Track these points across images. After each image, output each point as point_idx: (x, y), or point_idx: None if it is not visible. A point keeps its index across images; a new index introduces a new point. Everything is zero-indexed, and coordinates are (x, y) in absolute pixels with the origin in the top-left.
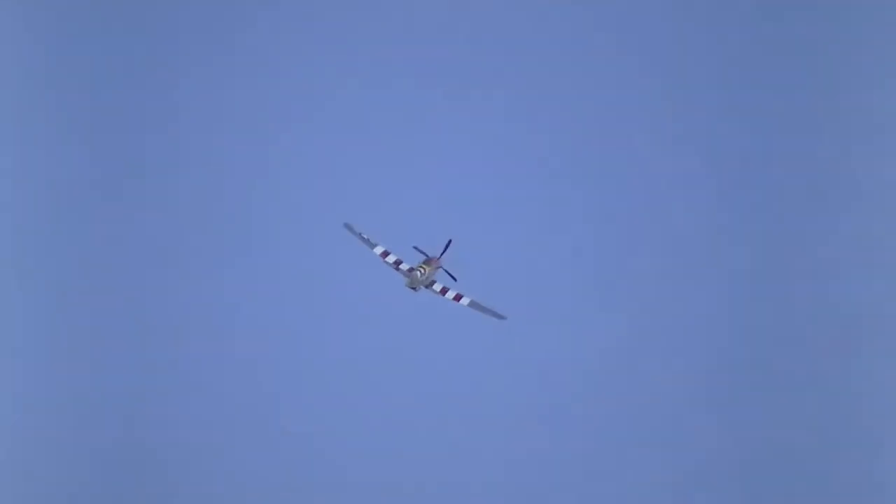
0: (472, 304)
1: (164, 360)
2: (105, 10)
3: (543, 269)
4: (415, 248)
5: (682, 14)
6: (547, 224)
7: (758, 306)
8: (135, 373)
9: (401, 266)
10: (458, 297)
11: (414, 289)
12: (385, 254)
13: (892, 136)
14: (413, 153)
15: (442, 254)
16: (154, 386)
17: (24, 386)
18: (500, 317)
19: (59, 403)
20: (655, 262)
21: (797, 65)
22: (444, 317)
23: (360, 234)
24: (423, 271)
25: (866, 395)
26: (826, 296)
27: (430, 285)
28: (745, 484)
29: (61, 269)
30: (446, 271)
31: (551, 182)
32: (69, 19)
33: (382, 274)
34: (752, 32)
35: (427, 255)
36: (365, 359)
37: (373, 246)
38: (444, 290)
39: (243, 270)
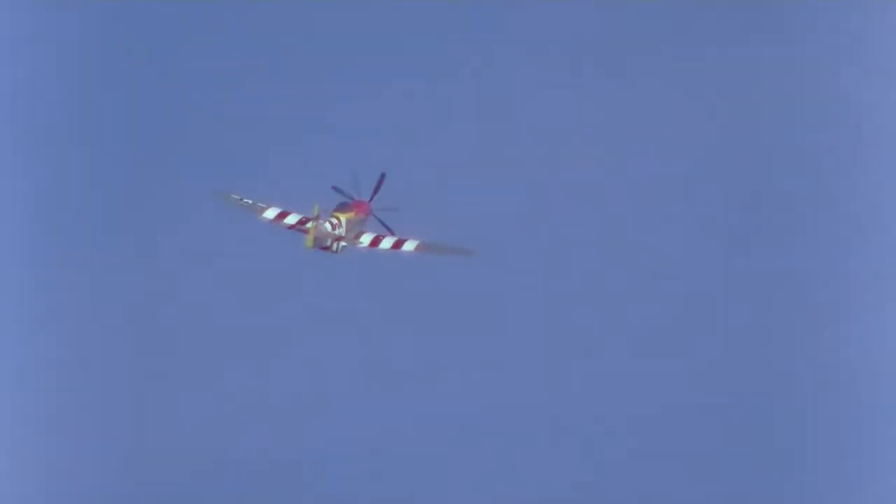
0: (423, 248)
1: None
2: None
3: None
4: (334, 188)
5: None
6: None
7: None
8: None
9: (307, 225)
10: (398, 244)
11: (327, 248)
12: (282, 215)
13: None
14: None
15: (373, 195)
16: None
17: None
18: (466, 252)
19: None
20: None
21: None
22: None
23: (240, 198)
24: (336, 222)
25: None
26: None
27: (355, 240)
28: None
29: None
30: (379, 220)
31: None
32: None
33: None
34: None
35: (346, 198)
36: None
37: (262, 210)
38: (376, 241)
39: None
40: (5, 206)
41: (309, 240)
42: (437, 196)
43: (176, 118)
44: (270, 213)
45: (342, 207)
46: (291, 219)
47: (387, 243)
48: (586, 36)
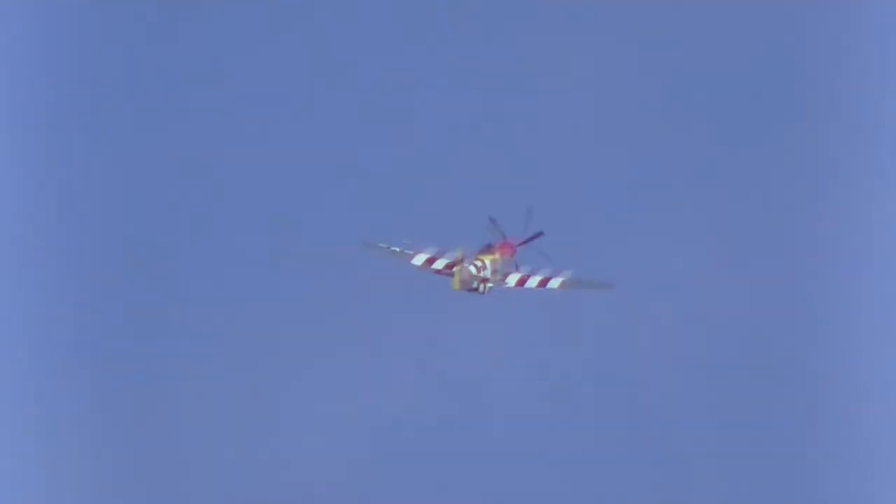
0: (568, 284)
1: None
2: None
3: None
4: (491, 220)
5: None
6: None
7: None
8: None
9: (454, 269)
10: (544, 282)
11: (474, 290)
12: (430, 261)
13: None
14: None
15: (523, 242)
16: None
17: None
18: (609, 286)
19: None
20: None
21: None
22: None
23: (388, 246)
24: (480, 264)
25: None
26: None
27: (501, 281)
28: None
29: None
30: (529, 239)
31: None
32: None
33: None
34: None
35: (498, 233)
36: None
37: (411, 257)
38: (522, 280)
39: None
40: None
41: (455, 282)
42: (581, 229)
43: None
44: (419, 260)
45: (486, 250)
46: (439, 264)
47: (533, 282)
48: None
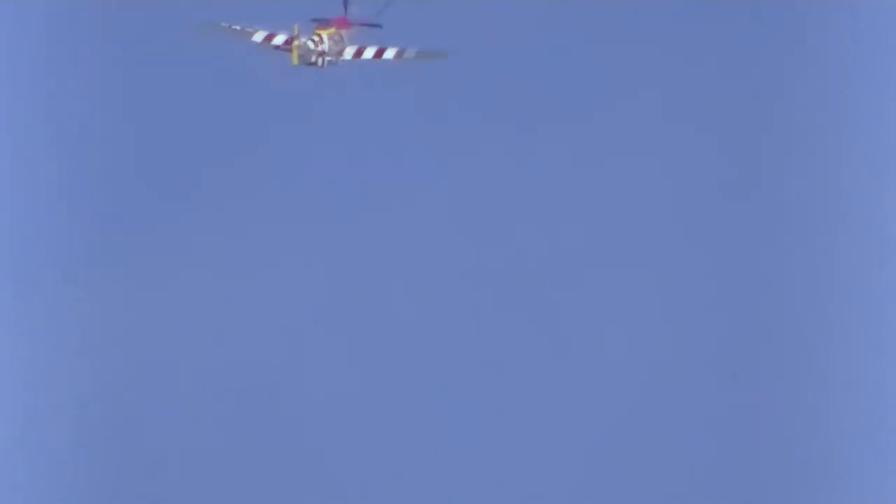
0: (402, 55)
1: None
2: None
3: None
4: (314, 20)
5: None
6: None
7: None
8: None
9: (293, 44)
10: (379, 53)
11: (312, 64)
12: (269, 37)
13: None
14: None
15: (364, 24)
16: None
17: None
18: (443, 56)
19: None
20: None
21: None
22: None
23: (228, 26)
24: (317, 38)
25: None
26: None
27: (338, 55)
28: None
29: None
30: (365, 24)
31: None
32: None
33: None
34: None
35: (328, 17)
36: None
37: (250, 35)
38: (358, 52)
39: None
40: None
41: (294, 57)
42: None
43: None
44: (258, 37)
45: (323, 25)
46: (278, 40)
47: (369, 53)
48: None
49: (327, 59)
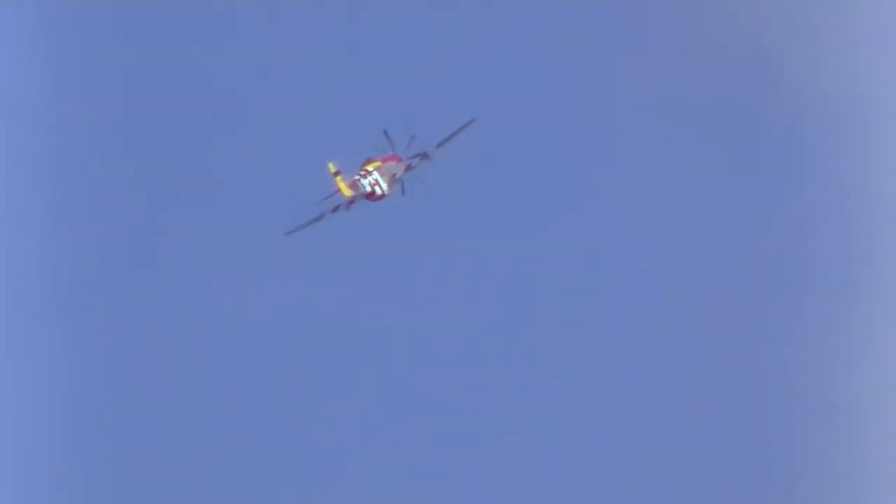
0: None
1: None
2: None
3: None
4: (385, 134)
5: None
6: None
7: None
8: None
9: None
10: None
11: (373, 195)
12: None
13: None
14: None
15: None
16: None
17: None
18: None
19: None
20: None
21: None
22: None
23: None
24: (363, 173)
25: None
26: None
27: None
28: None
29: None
30: (416, 156)
31: None
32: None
33: None
34: None
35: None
36: None
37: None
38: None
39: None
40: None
41: (344, 189)
42: None
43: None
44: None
45: (367, 161)
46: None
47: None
48: None
49: (383, 187)
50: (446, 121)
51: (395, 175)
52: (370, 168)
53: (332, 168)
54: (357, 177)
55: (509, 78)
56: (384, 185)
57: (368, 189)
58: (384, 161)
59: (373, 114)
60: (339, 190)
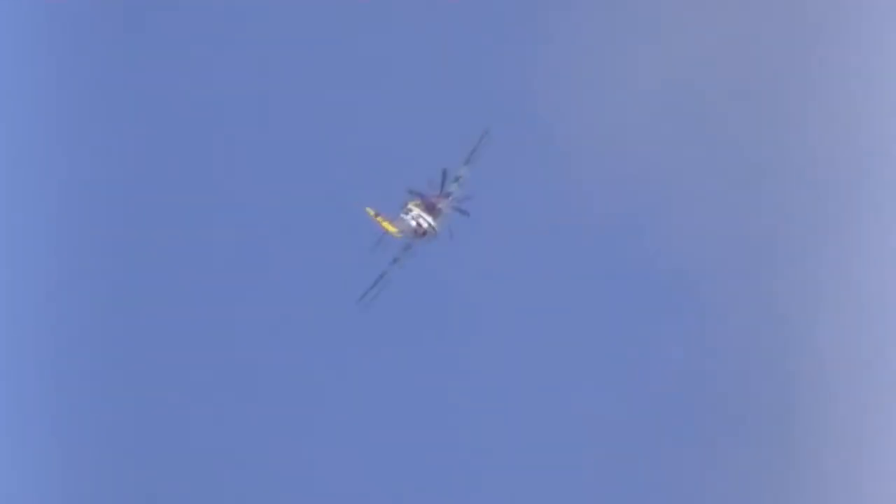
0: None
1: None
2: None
3: None
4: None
5: None
6: None
7: None
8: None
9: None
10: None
11: (423, 231)
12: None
13: None
14: None
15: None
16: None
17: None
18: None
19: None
20: None
21: None
22: None
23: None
24: (409, 209)
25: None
26: None
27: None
28: None
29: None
30: (457, 209)
31: None
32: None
33: None
34: None
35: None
36: None
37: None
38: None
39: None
40: None
41: (390, 228)
42: None
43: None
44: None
45: (416, 203)
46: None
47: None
48: None
49: (431, 225)
50: (454, 138)
51: (436, 206)
52: (410, 206)
53: (370, 212)
54: (401, 216)
55: (510, 80)
56: (428, 219)
57: (413, 223)
58: (423, 199)
59: (384, 156)
60: (385, 231)
